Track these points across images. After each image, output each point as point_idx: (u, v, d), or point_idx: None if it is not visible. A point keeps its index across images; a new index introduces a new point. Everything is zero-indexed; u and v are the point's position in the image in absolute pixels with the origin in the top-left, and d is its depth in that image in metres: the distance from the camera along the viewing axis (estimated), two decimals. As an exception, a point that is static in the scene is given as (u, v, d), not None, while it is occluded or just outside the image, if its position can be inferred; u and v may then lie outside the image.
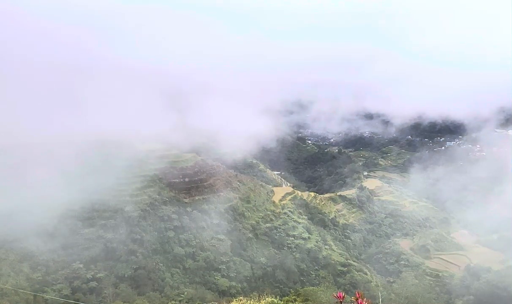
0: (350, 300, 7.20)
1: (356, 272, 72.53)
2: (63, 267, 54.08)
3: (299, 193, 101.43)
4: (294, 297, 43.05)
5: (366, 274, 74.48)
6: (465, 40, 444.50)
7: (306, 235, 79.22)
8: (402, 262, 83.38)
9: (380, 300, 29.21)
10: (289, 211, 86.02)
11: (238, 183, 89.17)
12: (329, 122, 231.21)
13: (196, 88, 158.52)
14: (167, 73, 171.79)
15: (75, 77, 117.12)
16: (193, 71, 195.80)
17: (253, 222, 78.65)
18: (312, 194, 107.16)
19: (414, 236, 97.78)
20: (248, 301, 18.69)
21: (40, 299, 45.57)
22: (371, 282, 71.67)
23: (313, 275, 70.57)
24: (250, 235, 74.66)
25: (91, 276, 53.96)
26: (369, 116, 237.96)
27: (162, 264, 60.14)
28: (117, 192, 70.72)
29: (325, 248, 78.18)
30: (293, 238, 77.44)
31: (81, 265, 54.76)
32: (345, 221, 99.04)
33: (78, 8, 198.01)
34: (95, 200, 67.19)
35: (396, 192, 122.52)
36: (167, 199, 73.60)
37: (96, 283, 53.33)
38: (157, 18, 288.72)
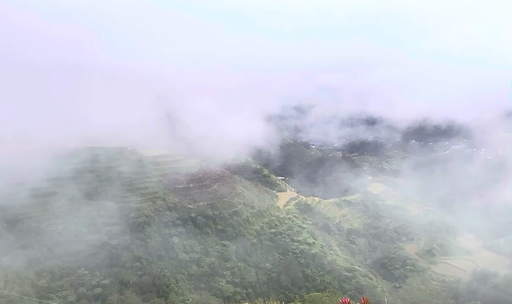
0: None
1: (361, 278, 72.05)
2: (68, 274, 54.37)
3: (304, 198, 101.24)
4: (300, 302, 42.97)
5: (372, 279, 74.00)
6: (471, 41, 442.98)
7: (311, 240, 78.91)
8: (408, 267, 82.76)
9: (386, 305, 29.08)
10: (294, 216, 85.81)
11: (242, 188, 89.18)
12: (331, 127, 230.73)
13: (195, 91, 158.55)
14: (164, 75, 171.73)
15: (71, 78, 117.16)
16: (191, 74, 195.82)
17: (258, 227, 78.49)
18: (317, 199, 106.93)
19: (419, 241, 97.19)
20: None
21: (46, 306, 45.71)
22: (377, 287, 71.21)
23: (318, 281, 70.18)
24: (254, 240, 74.51)
25: (96, 283, 54.20)
26: (372, 121, 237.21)
27: (167, 270, 60.12)
28: (121, 198, 71.07)
29: (330, 253, 77.79)
30: (297, 243, 77.10)
31: (86, 272, 55.00)
32: (350, 226, 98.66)
33: (72, 7, 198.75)
34: (99, 206, 67.55)
35: (401, 196, 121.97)
36: (171, 204, 73.79)
37: (101, 290, 53.53)
38: (152, 19, 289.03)
